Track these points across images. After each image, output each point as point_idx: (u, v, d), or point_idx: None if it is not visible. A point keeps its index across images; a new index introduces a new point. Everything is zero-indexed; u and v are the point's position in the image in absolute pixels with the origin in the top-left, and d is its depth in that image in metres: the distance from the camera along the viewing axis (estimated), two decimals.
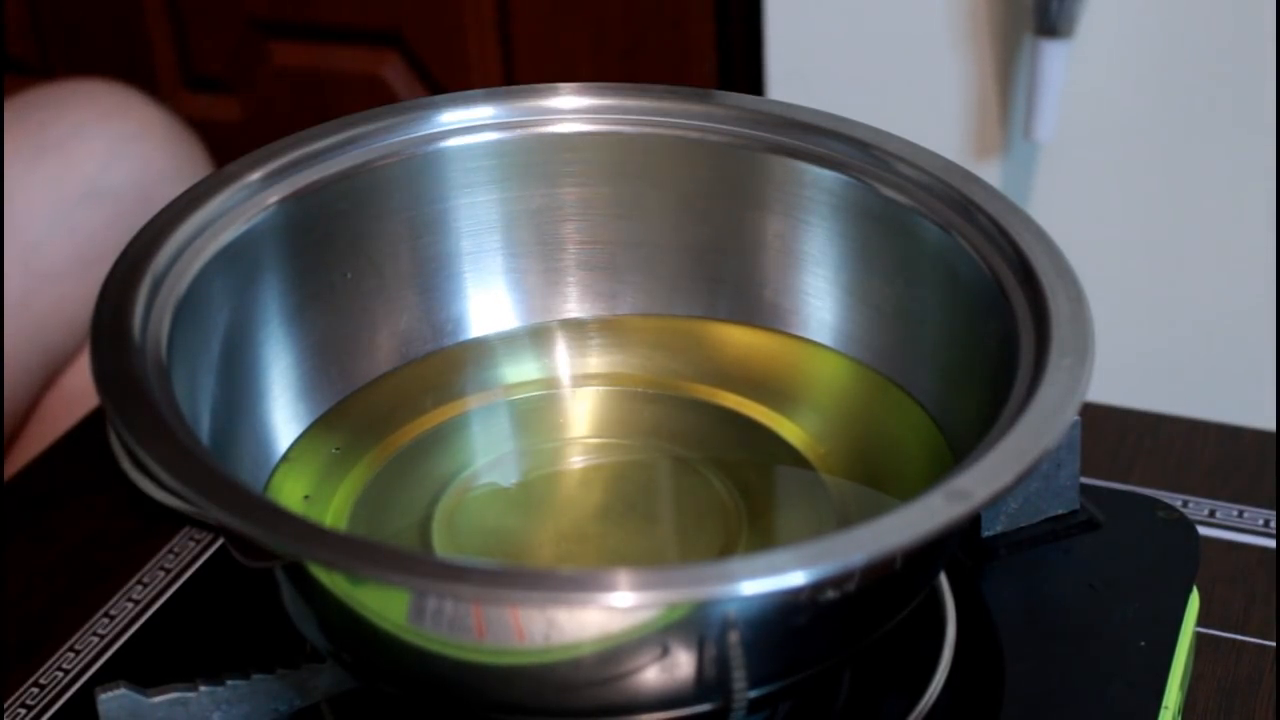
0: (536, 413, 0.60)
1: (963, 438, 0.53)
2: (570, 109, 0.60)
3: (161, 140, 0.96)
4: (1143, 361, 1.07)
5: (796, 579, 0.42)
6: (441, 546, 0.53)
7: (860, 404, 0.58)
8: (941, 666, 0.54)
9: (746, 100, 0.59)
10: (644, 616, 0.43)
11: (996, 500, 0.46)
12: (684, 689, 0.45)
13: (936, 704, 0.53)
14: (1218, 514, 0.66)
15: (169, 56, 1.36)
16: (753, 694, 0.46)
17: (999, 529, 0.59)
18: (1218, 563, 0.63)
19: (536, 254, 0.61)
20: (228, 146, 0.83)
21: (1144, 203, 1.04)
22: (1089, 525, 0.59)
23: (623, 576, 0.41)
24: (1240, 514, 0.66)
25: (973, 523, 0.58)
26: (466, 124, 0.59)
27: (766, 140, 0.58)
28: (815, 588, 0.43)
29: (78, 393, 0.93)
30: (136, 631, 0.61)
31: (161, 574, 0.64)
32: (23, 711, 0.58)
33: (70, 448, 0.72)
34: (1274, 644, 0.59)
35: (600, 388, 0.61)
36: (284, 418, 0.57)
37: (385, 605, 0.45)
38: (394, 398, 0.59)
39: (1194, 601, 0.57)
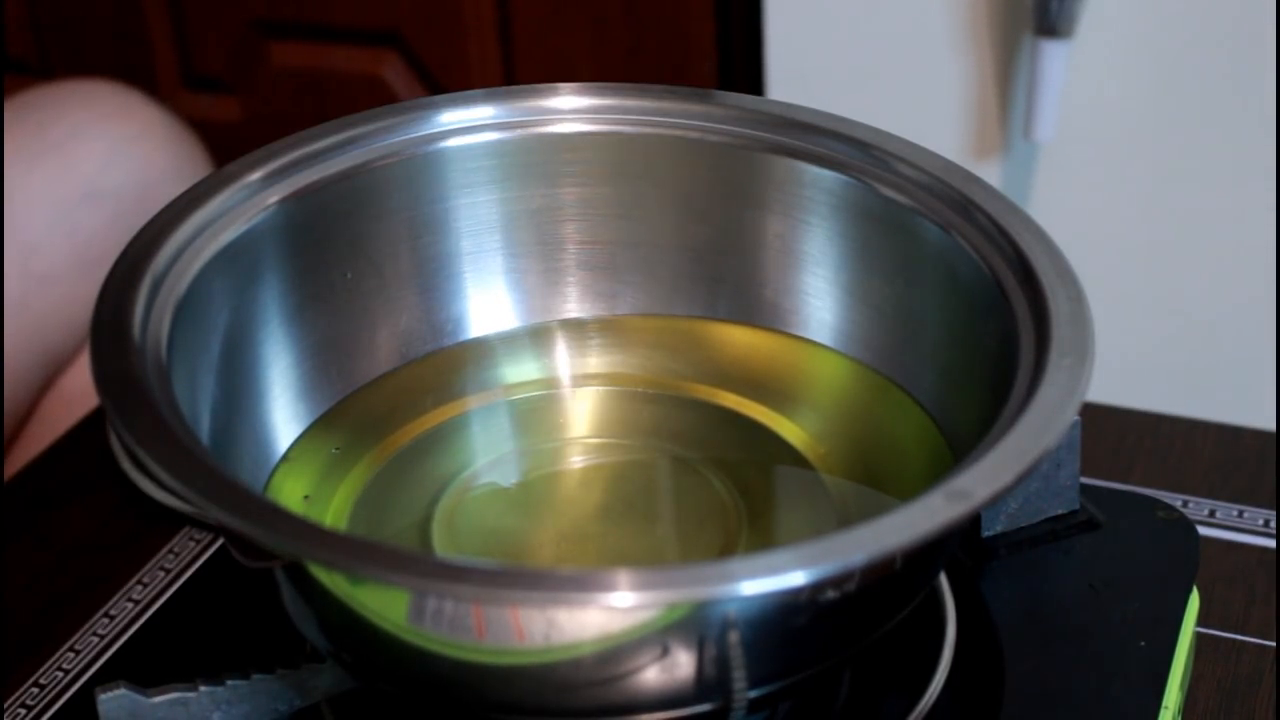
0: (536, 413, 0.60)
1: (963, 438, 0.53)
2: (570, 109, 0.60)
3: (161, 141, 0.96)
4: (1143, 361, 1.07)
5: (796, 579, 0.42)
6: (441, 546, 0.53)
7: (860, 404, 0.58)
8: (941, 666, 0.54)
9: (746, 100, 0.59)
10: (644, 616, 0.43)
11: (996, 500, 0.46)
12: (684, 689, 0.45)
13: (936, 704, 0.53)
14: (1218, 514, 0.66)
15: (169, 56, 1.36)
16: (753, 694, 0.46)
17: (999, 529, 0.59)
18: (1218, 563, 0.63)
19: (536, 254, 0.61)
20: (228, 146, 0.83)
21: (1144, 203, 1.04)
22: (1089, 525, 0.59)
23: (623, 576, 0.41)
24: (1240, 514, 0.66)
25: (973, 523, 0.58)
26: (466, 124, 0.59)
27: (766, 140, 0.58)
28: (815, 588, 0.43)
29: (77, 393, 0.93)
30: (136, 631, 0.61)
31: (161, 574, 0.64)
32: (23, 711, 0.58)
33: (70, 448, 0.72)
34: (1274, 644, 0.59)
35: (600, 388, 0.61)
36: (284, 418, 0.57)
37: (385, 605, 0.45)
38: (394, 398, 0.59)
39: (1194, 601, 0.57)
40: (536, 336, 0.61)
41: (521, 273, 0.61)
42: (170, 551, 0.65)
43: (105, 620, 0.62)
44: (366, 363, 0.59)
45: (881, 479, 0.56)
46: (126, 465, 0.69)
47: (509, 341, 0.61)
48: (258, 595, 0.52)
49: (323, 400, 0.58)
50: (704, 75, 1.19)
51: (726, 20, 1.18)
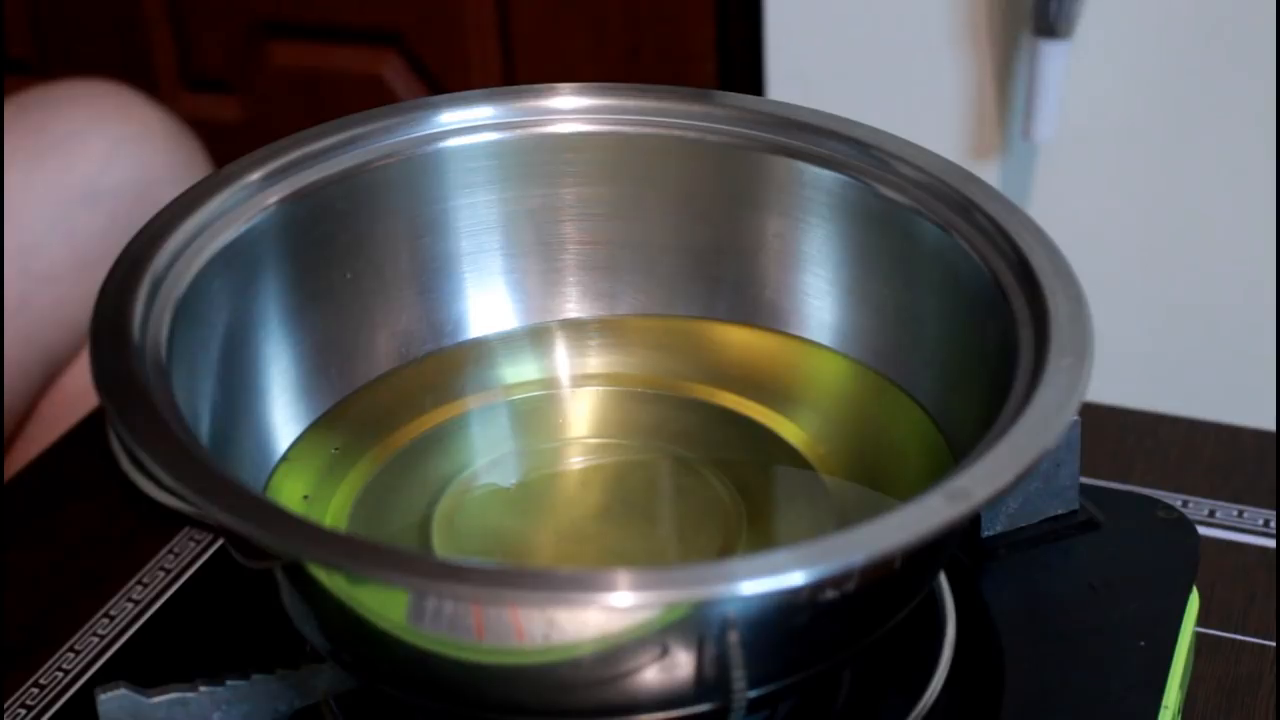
0: (536, 413, 0.60)
1: (963, 438, 0.53)
2: (570, 109, 0.60)
3: (161, 141, 0.96)
4: (1143, 361, 1.07)
5: (796, 579, 0.42)
6: (441, 546, 0.53)
7: (860, 404, 0.58)
8: (941, 666, 0.54)
9: (746, 100, 0.59)
10: (644, 616, 0.43)
11: (996, 500, 0.46)
12: (684, 689, 0.45)
13: (936, 704, 0.53)
14: (1218, 514, 0.66)
15: (169, 56, 1.36)
16: (753, 694, 0.46)
17: (999, 529, 0.59)
18: (1218, 563, 0.63)
19: (536, 254, 0.61)
20: (228, 146, 0.83)
21: (1144, 203, 1.04)
22: (1089, 525, 0.59)
23: (623, 576, 0.41)
24: (1240, 514, 0.66)
25: (973, 523, 0.58)
26: (466, 124, 0.59)
27: (766, 140, 0.58)
28: (815, 588, 0.43)
29: (77, 393, 0.93)
30: (136, 631, 0.61)
31: (161, 574, 0.64)
32: (23, 711, 0.58)
33: (70, 448, 0.72)
34: (1274, 644, 0.59)
35: (600, 388, 0.61)
36: (284, 418, 0.57)
37: (385, 605, 0.45)
38: (393, 398, 0.59)
39: (1194, 601, 0.57)
40: (536, 337, 0.61)
41: (521, 273, 0.61)
42: (170, 551, 0.65)
43: (105, 620, 0.62)
44: (366, 363, 0.59)
45: (881, 479, 0.55)
46: (126, 465, 0.69)
47: (509, 342, 0.61)
48: (258, 595, 0.52)
49: (322, 400, 0.58)
50: (704, 76, 1.19)
51: (726, 21, 1.18)
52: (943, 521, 0.43)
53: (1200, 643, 0.59)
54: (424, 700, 0.49)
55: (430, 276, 0.60)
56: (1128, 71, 1.01)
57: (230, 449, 0.53)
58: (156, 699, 0.51)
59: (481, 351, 0.61)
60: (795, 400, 0.59)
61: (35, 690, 0.59)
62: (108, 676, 0.56)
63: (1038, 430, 0.45)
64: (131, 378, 0.47)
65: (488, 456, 0.58)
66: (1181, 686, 0.56)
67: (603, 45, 1.21)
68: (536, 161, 0.60)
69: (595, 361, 0.61)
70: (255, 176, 0.55)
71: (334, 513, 0.55)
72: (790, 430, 0.58)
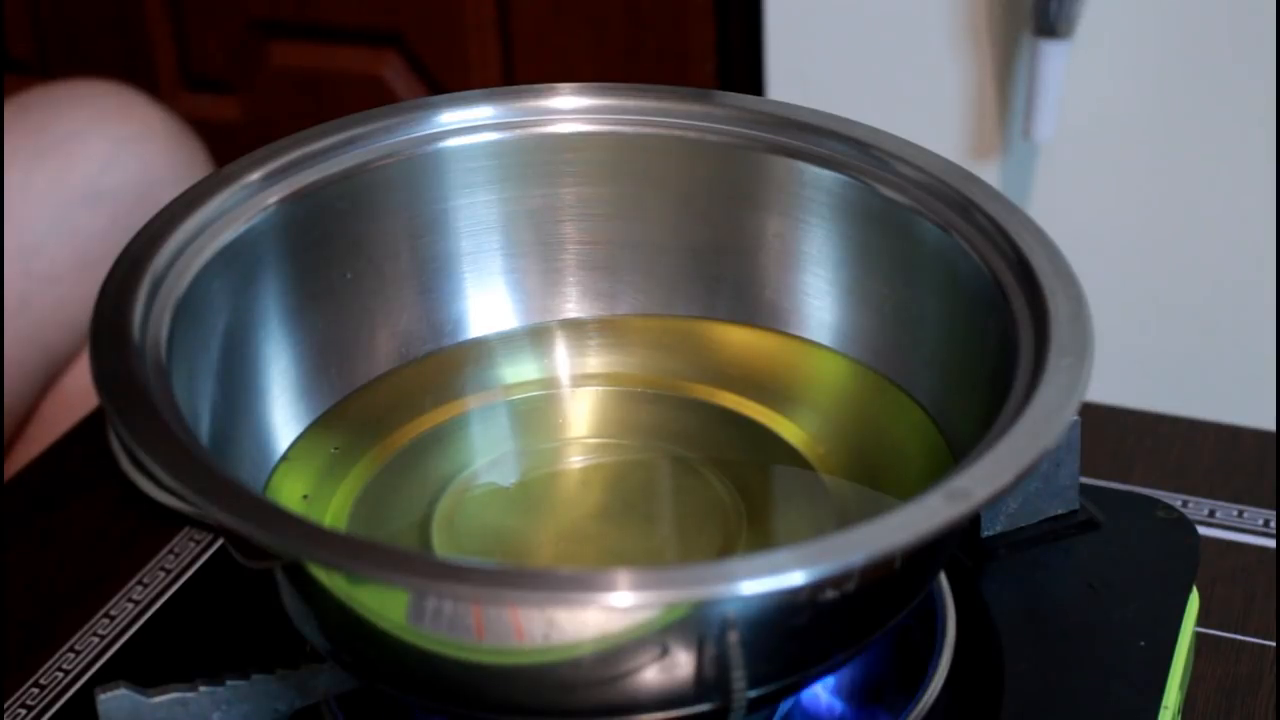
0: (536, 413, 0.60)
1: (963, 438, 0.53)
2: (570, 109, 0.60)
3: (162, 141, 0.96)
4: (1143, 361, 1.07)
5: (796, 579, 0.42)
6: (441, 546, 0.53)
7: (860, 404, 0.58)
8: (941, 666, 0.54)
9: (746, 100, 0.59)
10: (644, 616, 0.43)
11: (996, 500, 0.46)
12: (684, 689, 0.45)
13: (936, 704, 0.53)
14: (1218, 514, 0.66)
15: (169, 56, 1.36)
16: (753, 694, 0.46)
17: (999, 529, 0.59)
18: (1218, 563, 0.63)
19: (536, 254, 0.61)
20: (228, 146, 0.83)
21: (1144, 202, 1.04)
22: (1089, 525, 0.59)
23: (622, 576, 0.41)
24: (1240, 514, 0.66)
25: (973, 523, 0.58)
26: (466, 124, 0.59)
27: (766, 140, 0.58)
28: (815, 588, 0.43)
29: (77, 393, 0.93)
30: (136, 631, 0.61)
31: (161, 574, 0.64)
32: (23, 711, 0.58)
33: (70, 448, 0.72)
34: (1274, 644, 0.59)
35: (600, 388, 0.61)
36: (284, 418, 0.57)
37: (385, 605, 0.45)
38: (393, 398, 0.59)
39: (1194, 601, 0.57)
40: (536, 336, 0.61)
41: (521, 273, 0.61)
42: (170, 551, 0.65)
43: (105, 620, 0.62)
44: (366, 363, 0.59)
45: (881, 479, 0.55)
46: (126, 465, 0.69)
47: (509, 341, 0.61)
48: (258, 595, 0.52)
49: (322, 400, 0.58)
50: (704, 76, 1.19)
51: (726, 21, 1.18)
52: (943, 521, 0.43)
53: (1200, 643, 0.59)
54: (424, 700, 0.49)
55: (430, 276, 0.60)
56: (1128, 71, 1.01)
57: (230, 449, 0.53)
58: (156, 699, 0.51)
59: (481, 351, 0.61)
60: (795, 400, 0.59)
61: (35, 690, 0.59)
62: (108, 676, 0.56)
63: (1038, 430, 0.45)
64: (131, 378, 0.47)
65: (488, 456, 0.58)
66: (1181, 686, 0.56)
67: (603, 45, 1.21)
68: (536, 161, 0.60)
69: (595, 361, 0.61)
70: (255, 176, 0.55)
71: (334, 513, 0.55)
72: (790, 430, 0.58)
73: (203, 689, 0.52)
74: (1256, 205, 1.01)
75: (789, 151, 0.58)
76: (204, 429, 0.51)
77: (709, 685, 0.45)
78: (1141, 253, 1.05)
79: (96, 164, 0.93)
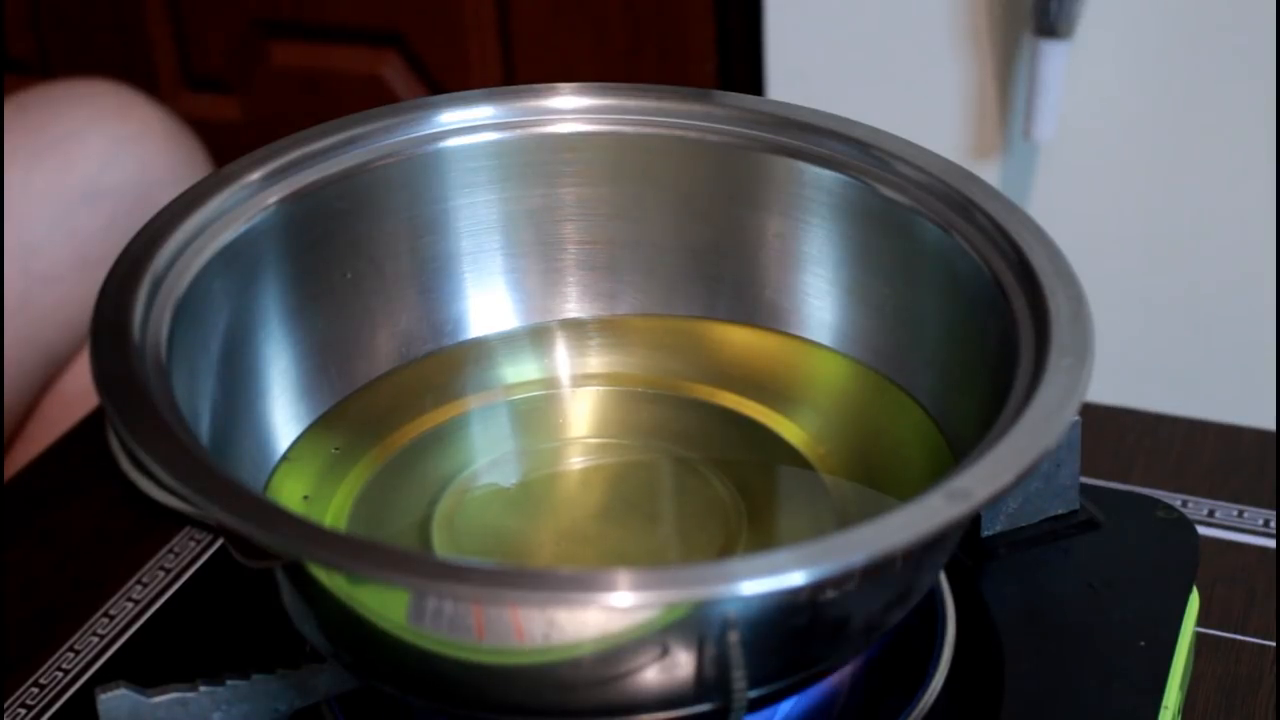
0: (536, 413, 0.60)
1: (963, 438, 0.53)
2: (570, 109, 0.60)
3: (161, 141, 0.96)
4: (1143, 361, 1.07)
5: (796, 579, 0.42)
6: (441, 546, 0.53)
7: (860, 404, 0.58)
8: (941, 666, 0.54)
9: (746, 100, 0.59)
10: (644, 616, 0.43)
11: (996, 500, 0.46)
12: (684, 689, 0.45)
13: (936, 704, 0.53)
14: (1218, 514, 0.66)
15: (169, 56, 1.36)
16: (753, 694, 0.46)
17: (999, 529, 0.59)
18: (1218, 563, 0.63)
19: (536, 254, 0.61)
20: (228, 146, 0.83)
21: (1144, 202, 1.04)
22: (1089, 525, 0.59)
23: (623, 576, 0.41)
24: (1240, 514, 0.66)
25: (973, 523, 0.58)
26: (466, 124, 0.59)
27: (766, 140, 0.58)
28: (815, 588, 0.43)
29: (77, 393, 0.93)
30: (136, 631, 0.61)
31: (161, 574, 0.64)
32: (23, 711, 0.58)
33: (70, 448, 0.72)
34: (1274, 644, 0.59)
35: (600, 388, 0.61)
36: (284, 418, 0.57)
37: (385, 605, 0.45)
38: (394, 398, 0.59)
39: (1194, 601, 0.57)
40: (536, 336, 0.61)
41: (521, 273, 0.61)
42: (170, 551, 0.65)
43: (105, 620, 0.62)
44: (366, 363, 0.59)
45: (881, 479, 0.55)
46: (126, 465, 0.69)
47: (509, 341, 0.61)
48: (258, 595, 0.52)
49: (322, 400, 0.58)
50: (704, 75, 1.19)
51: (726, 21, 1.18)
52: (943, 521, 0.43)
53: (1200, 643, 0.59)
54: (424, 700, 0.49)
55: (430, 276, 0.60)
56: (1128, 71, 1.01)
57: (230, 449, 0.53)
58: (156, 699, 0.51)
59: (481, 351, 0.61)
60: (795, 400, 0.59)
61: (35, 690, 0.59)
62: (108, 676, 0.56)
63: (1038, 430, 0.45)
64: (131, 378, 0.47)
65: (488, 456, 0.58)
66: (1181, 686, 0.56)
67: (603, 45, 1.21)
68: (536, 161, 0.60)
69: (595, 361, 0.61)
70: (255, 176, 0.55)
71: (334, 513, 0.55)
72: (790, 430, 0.58)
73: (203, 689, 0.52)
74: (1256, 205, 1.01)
75: (789, 151, 0.58)
76: (204, 429, 0.51)
77: (709, 685, 0.45)
78: (1142, 253, 1.05)
79: (96, 163, 0.93)
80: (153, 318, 0.50)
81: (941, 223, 0.54)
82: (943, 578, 0.57)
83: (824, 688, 0.54)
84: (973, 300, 0.53)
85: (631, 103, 0.60)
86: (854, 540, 0.43)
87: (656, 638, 0.44)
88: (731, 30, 1.18)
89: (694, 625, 0.44)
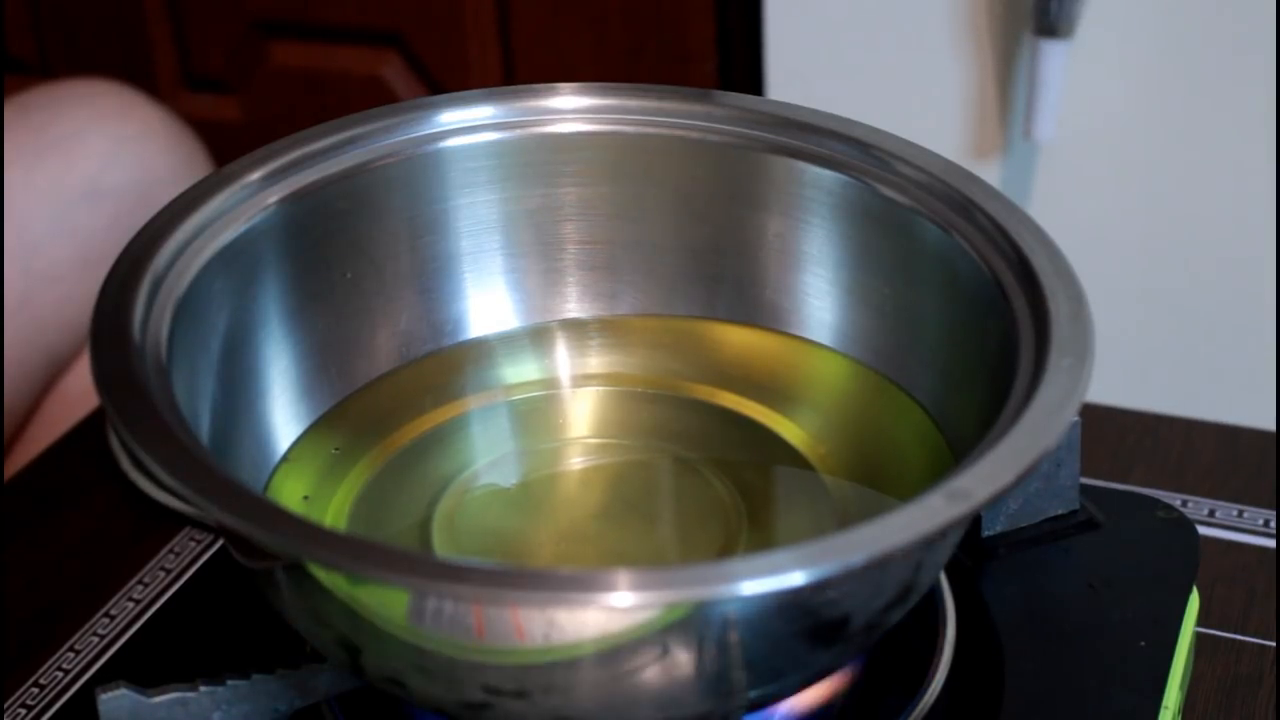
0: (536, 413, 0.60)
1: (963, 438, 0.53)
2: (570, 109, 0.60)
3: (162, 141, 0.96)
4: (1142, 361, 1.07)
5: (796, 579, 0.42)
6: (441, 546, 0.53)
7: (860, 404, 0.58)
8: (941, 666, 0.54)
9: (746, 100, 0.59)
10: (644, 616, 0.43)
11: (996, 500, 0.46)
12: (684, 689, 0.45)
13: (936, 704, 0.53)
14: (1218, 514, 0.66)
15: (169, 56, 1.36)
16: (753, 694, 0.46)
17: (999, 529, 0.59)
18: (1218, 563, 0.63)
19: (536, 254, 0.61)
20: (228, 146, 0.83)
21: (1144, 203, 1.04)
22: (1089, 525, 0.59)
23: (623, 576, 0.41)
24: (1240, 514, 0.66)
25: (973, 523, 0.58)
26: (466, 124, 0.59)
27: (766, 140, 0.58)
28: (815, 588, 0.43)
29: (78, 393, 0.94)
30: (136, 631, 0.61)
31: (161, 574, 0.64)
32: (23, 711, 0.58)
33: (70, 448, 0.72)
34: (1274, 644, 0.59)
35: (600, 388, 0.61)
36: (284, 418, 0.57)
37: (385, 605, 0.45)
38: (394, 398, 0.59)
39: (1194, 601, 0.57)
40: (536, 336, 0.61)
41: (521, 273, 0.61)
42: (170, 551, 0.65)
43: (105, 620, 0.62)
44: (366, 363, 0.59)
45: (881, 479, 0.55)
46: (126, 465, 0.69)
47: (509, 342, 0.61)
48: (258, 595, 0.52)
49: (323, 400, 0.58)
50: (704, 75, 1.19)
51: (726, 21, 1.18)
52: (943, 521, 0.43)
53: (1200, 643, 0.59)
54: (424, 701, 0.49)
55: (430, 276, 0.60)
56: (1128, 71, 1.01)
57: (230, 449, 0.53)
58: (156, 699, 0.51)
59: (481, 351, 0.61)
60: (795, 400, 0.59)
61: (35, 690, 0.59)
62: (108, 676, 0.56)
63: (1038, 430, 0.45)
64: (131, 378, 0.47)
65: (488, 456, 0.58)
66: (1181, 686, 0.56)
67: (603, 45, 1.21)
68: (536, 161, 0.60)
69: (595, 361, 0.61)
70: (255, 176, 0.55)
71: (334, 513, 0.55)
72: (790, 430, 0.58)
73: (203, 689, 0.52)
74: (1256, 205, 1.01)
75: (789, 151, 0.58)
76: (204, 429, 0.51)
77: (709, 685, 0.45)
78: (1141, 253, 1.05)
79: (96, 163, 0.93)
80: (153, 317, 0.50)
81: (942, 223, 0.54)
82: (943, 578, 0.57)
83: (824, 688, 0.54)
84: (973, 300, 0.53)
85: (631, 103, 0.60)
86: (854, 540, 0.43)
87: (656, 638, 0.44)
88: (731, 30, 1.18)
89: (694, 626, 0.44)
